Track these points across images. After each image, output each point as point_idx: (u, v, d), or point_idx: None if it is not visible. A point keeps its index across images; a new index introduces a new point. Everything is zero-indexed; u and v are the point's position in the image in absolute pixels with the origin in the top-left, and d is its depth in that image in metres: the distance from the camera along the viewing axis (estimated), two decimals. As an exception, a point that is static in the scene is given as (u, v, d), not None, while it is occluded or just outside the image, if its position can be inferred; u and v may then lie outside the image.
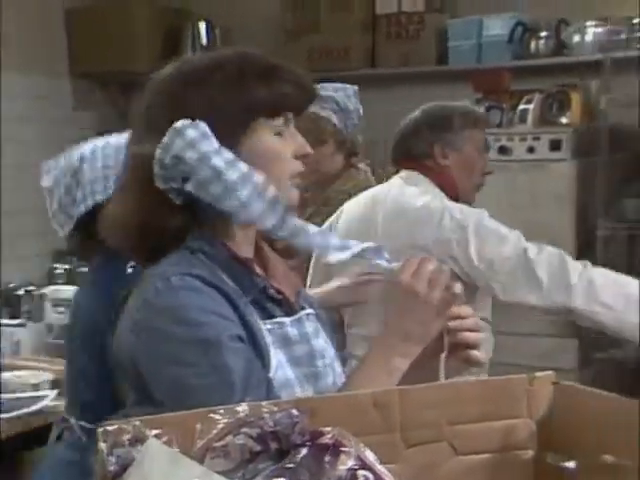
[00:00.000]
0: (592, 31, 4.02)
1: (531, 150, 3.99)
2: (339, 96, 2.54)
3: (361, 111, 2.58)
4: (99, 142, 1.82)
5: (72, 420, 1.78)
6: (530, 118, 4.05)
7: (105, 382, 1.52)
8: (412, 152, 2.30)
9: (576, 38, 4.06)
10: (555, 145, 3.94)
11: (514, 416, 0.90)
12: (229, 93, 1.26)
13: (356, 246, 1.24)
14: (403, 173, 2.32)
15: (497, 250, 2.13)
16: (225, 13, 4.82)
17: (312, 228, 1.24)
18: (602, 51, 3.91)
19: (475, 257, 2.14)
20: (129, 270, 1.62)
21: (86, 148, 1.82)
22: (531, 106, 4.06)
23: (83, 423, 1.76)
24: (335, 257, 1.23)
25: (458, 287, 1.25)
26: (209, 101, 1.25)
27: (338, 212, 2.40)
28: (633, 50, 3.91)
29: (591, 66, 3.95)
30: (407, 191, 2.27)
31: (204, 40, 4.79)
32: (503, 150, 4.04)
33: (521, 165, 3.98)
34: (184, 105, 1.25)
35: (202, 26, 4.79)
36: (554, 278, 2.09)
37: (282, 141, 1.30)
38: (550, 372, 0.92)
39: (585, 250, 3.84)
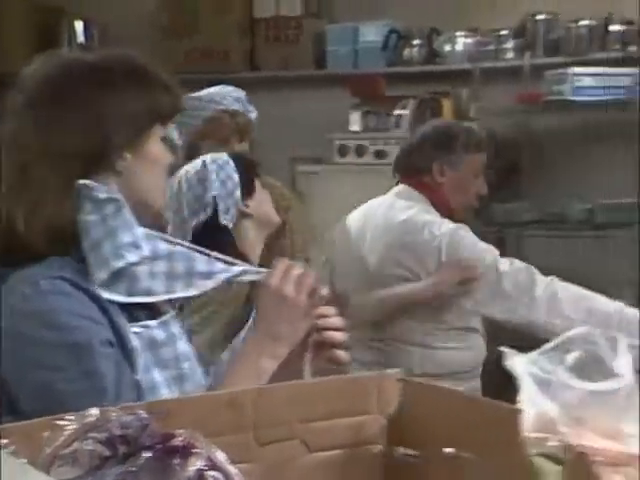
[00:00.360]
0: (462, 41, 4.15)
1: (406, 154, 4.10)
2: (243, 97, 2.58)
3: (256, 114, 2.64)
4: (188, 165, 2.08)
5: None
6: (404, 123, 4.16)
7: None
8: (413, 166, 2.40)
9: (447, 47, 4.19)
10: (428, 150, 4.07)
11: (364, 412, 0.94)
12: (133, 96, 1.27)
13: (221, 273, 1.28)
14: (400, 187, 2.41)
15: None
16: (102, 11, 4.74)
17: (179, 254, 1.27)
18: (471, 61, 4.06)
19: None
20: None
21: (178, 175, 2.07)
22: (406, 112, 4.17)
23: None
24: (201, 287, 1.26)
25: (324, 290, 1.30)
26: (110, 102, 1.25)
27: (342, 222, 2.51)
28: (501, 61, 4.08)
29: (461, 75, 4.09)
30: (396, 205, 2.37)
31: (81, 38, 4.69)
32: (379, 154, 4.14)
33: (397, 169, 4.09)
34: (80, 105, 1.25)
35: (79, 24, 4.69)
36: (519, 291, 2.16)
37: (165, 149, 1.33)
38: (398, 369, 0.96)
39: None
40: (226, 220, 2.05)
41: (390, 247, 2.30)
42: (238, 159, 2.12)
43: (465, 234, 2.28)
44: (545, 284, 2.16)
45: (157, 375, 1.27)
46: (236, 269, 1.30)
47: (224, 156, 2.10)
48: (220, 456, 0.72)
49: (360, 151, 4.15)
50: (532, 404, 0.89)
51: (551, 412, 0.88)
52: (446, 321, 2.32)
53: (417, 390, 0.94)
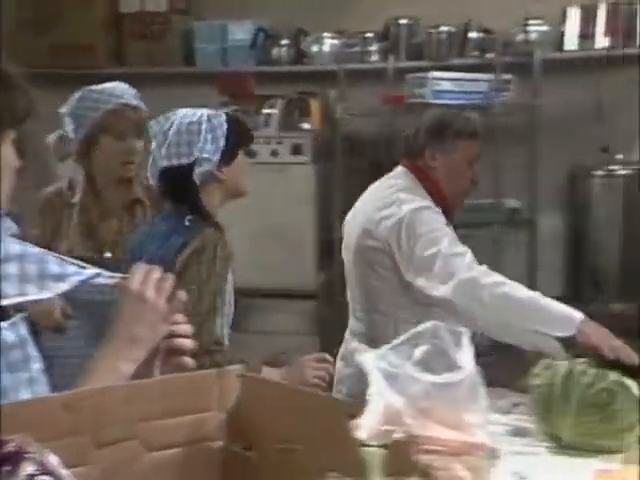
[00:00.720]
0: (329, 42, 4.21)
1: (274, 153, 4.13)
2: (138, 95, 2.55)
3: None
4: (190, 110, 2.13)
5: None
6: (274, 123, 4.19)
7: None
8: (410, 151, 2.47)
9: (314, 48, 4.24)
10: (297, 149, 4.11)
11: (204, 409, 0.95)
12: None
13: (74, 275, 1.26)
14: (398, 168, 2.48)
15: (420, 244, 2.28)
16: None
17: (31, 256, 1.24)
18: (338, 62, 4.12)
19: (404, 246, 2.29)
20: (187, 223, 2.07)
21: (178, 113, 2.13)
22: (274, 111, 4.19)
23: None
24: (54, 289, 1.24)
25: (182, 294, 1.30)
26: None
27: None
28: (366, 63, 4.17)
29: (329, 75, 4.14)
30: (385, 183, 2.46)
31: None
32: (248, 153, 4.14)
33: (265, 168, 4.11)
34: None
35: None
36: (445, 272, 2.23)
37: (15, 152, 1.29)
38: (238, 366, 0.97)
39: (325, 250, 4.04)
40: (197, 178, 2.10)
41: (367, 220, 2.40)
42: (234, 123, 2.15)
43: (429, 214, 2.35)
44: (470, 269, 2.24)
45: (6, 378, 1.24)
46: (89, 272, 1.28)
47: (222, 117, 2.14)
48: (53, 460, 0.72)
49: (229, 149, 4.14)
50: (380, 397, 0.93)
51: (397, 404, 0.92)
52: (411, 295, 2.38)
53: (255, 386, 0.96)
